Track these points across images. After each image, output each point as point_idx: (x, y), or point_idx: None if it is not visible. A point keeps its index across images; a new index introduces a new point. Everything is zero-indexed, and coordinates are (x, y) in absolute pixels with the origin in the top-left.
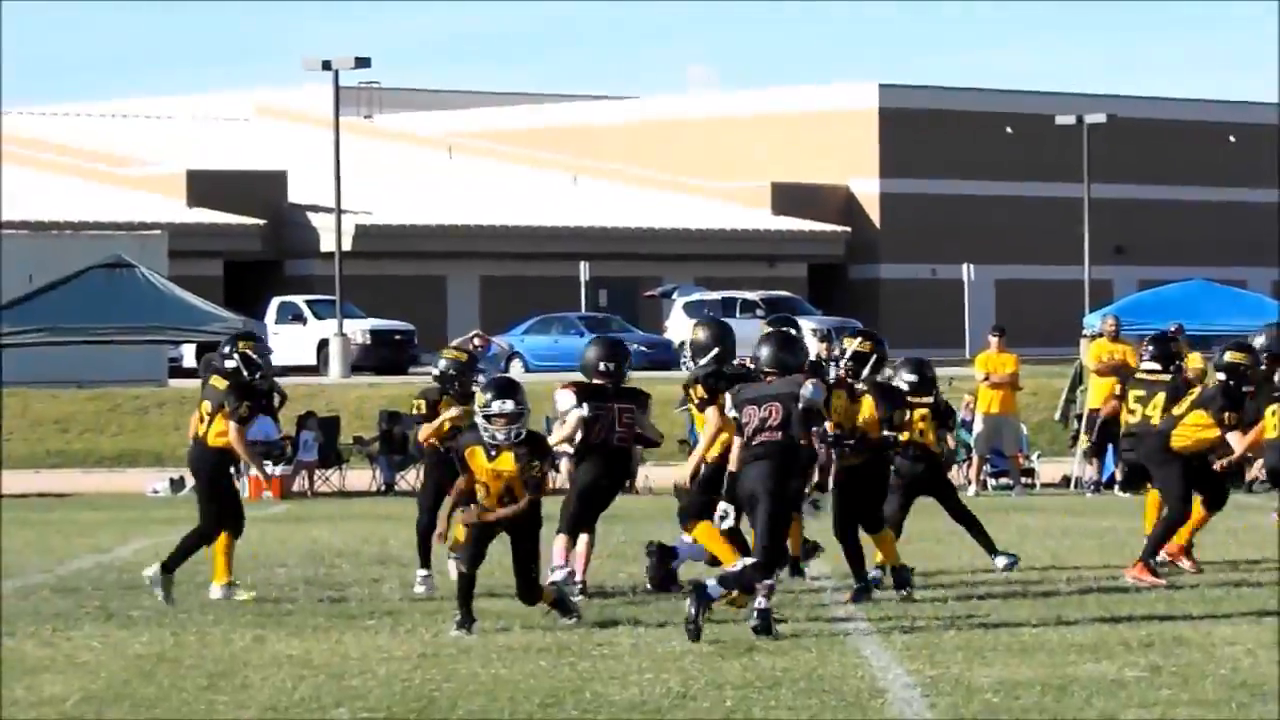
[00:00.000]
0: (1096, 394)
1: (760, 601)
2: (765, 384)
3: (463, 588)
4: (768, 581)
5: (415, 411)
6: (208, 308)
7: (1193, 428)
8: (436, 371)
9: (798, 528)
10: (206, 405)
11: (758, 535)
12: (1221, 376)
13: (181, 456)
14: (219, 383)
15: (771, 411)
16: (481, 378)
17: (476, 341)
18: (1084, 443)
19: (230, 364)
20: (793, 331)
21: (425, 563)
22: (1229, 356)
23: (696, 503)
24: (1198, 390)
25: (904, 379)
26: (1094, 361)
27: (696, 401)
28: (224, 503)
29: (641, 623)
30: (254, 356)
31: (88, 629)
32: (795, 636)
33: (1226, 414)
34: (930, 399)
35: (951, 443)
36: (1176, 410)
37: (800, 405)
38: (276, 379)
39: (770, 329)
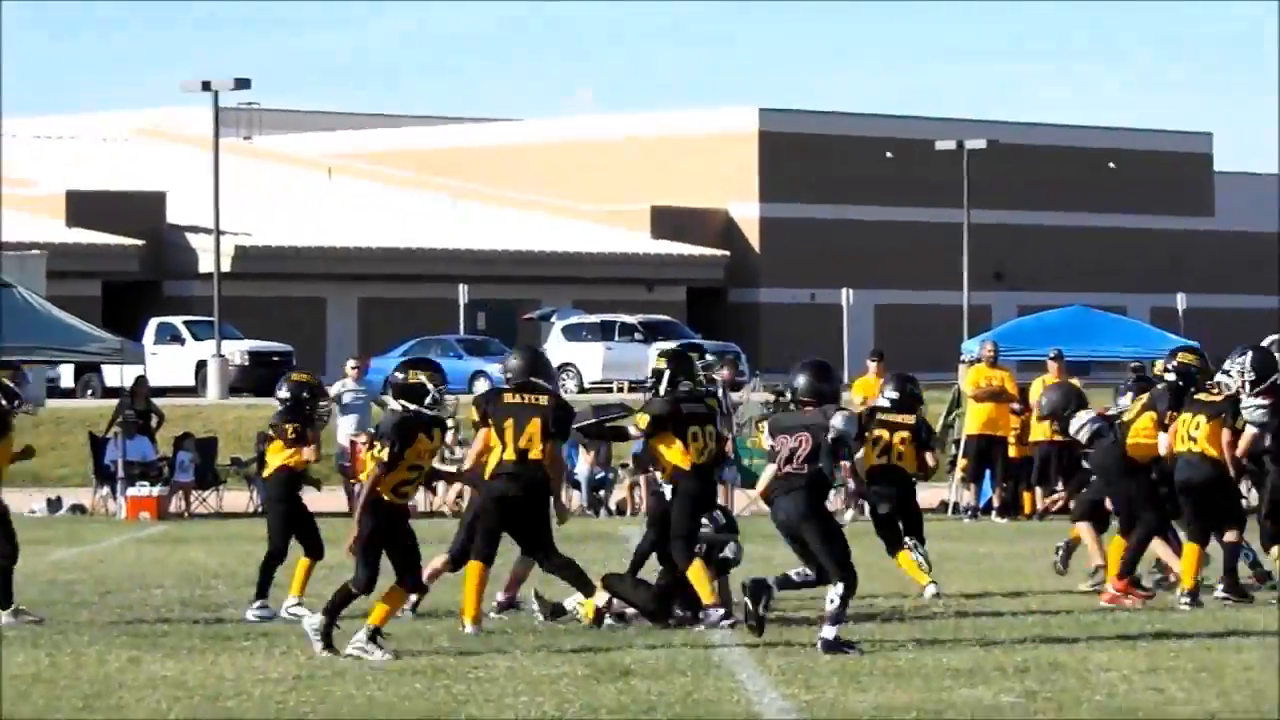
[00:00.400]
0: (974, 419)
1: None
2: (800, 413)
3: (345, 604)
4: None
5: (290, 435)
6: (86, 328)
7: (1145, 432)
8: (285, 395)
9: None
10: None
11: (826, 565)
12: (1171, 377)
13: (60, 477)
14: None
15: (801, 442)
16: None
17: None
18: (961, 468)
19: None
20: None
21: (263, 593)
22: (1181, 358)
23: (479, 546)
24: (1146, 395)
25: (886, 395)
26: (972, 387)
27: (473, 422)
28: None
29: (517, 646)
30: (12, 386)
31: None
32: (671, 660)
33: (1169, 414)
34: (911, 418)
35: (932, 460)
36: (1128, 416)
37: (830, 436)
38: (153, 400)
39: (806, 360)
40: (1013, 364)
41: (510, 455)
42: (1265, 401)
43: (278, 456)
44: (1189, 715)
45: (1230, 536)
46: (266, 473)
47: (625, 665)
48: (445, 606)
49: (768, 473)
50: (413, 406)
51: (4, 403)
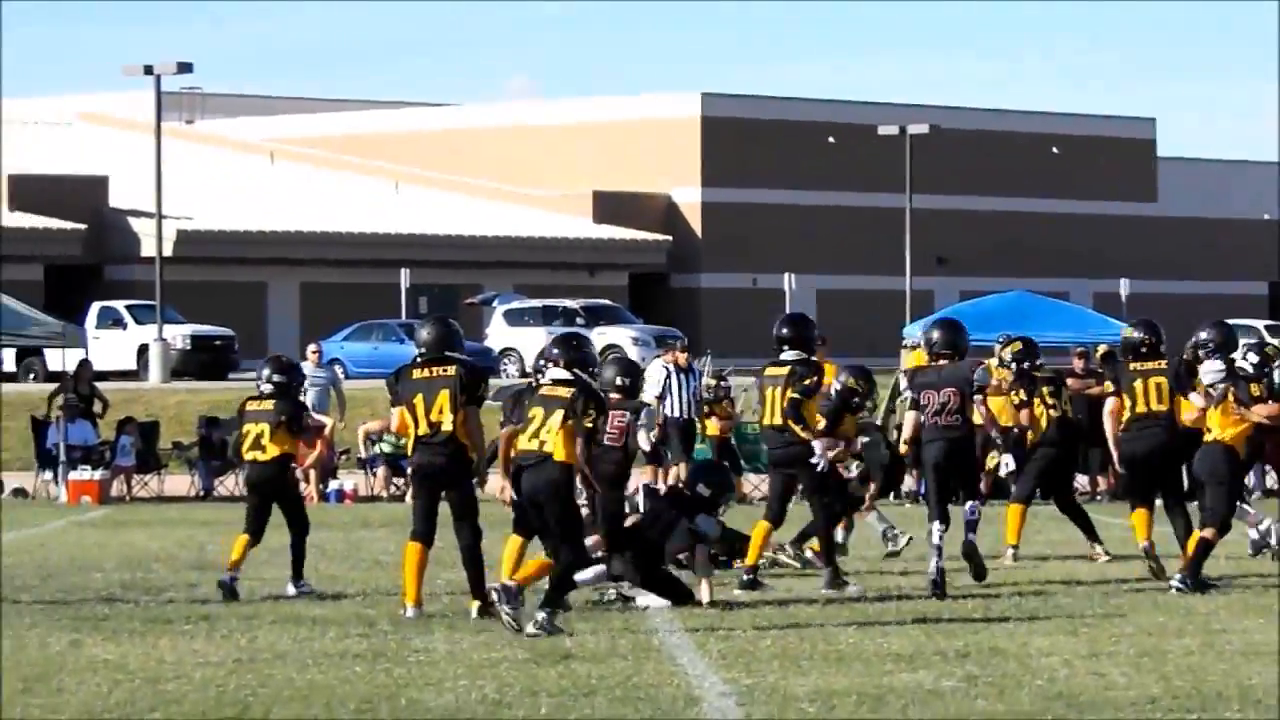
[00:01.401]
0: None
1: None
2: (938, 367)
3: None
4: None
5: (309, 422)
6: (28, 312)
7: (1233, 419)
8: (281, 379)
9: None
10: None
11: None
12: (1255, 358)
13: (1, 461)
14: None
15: (950, 397)
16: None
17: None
18: (904, 453)
19: None
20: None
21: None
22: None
23: (415, 525)
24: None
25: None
26: None
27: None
28: None
29: (458, 630)
30: None
31: None
32: (612, 644)
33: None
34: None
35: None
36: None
37: (973, 389)
38: (97, 384)
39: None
40: None
41: (424, 430)
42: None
43: (283, 444)
44: (1130, 700)
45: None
46: (266, 456)
47: (566, 649)
48: (386, 589)
49: (910, 419)
50: (584, 377)
51: None
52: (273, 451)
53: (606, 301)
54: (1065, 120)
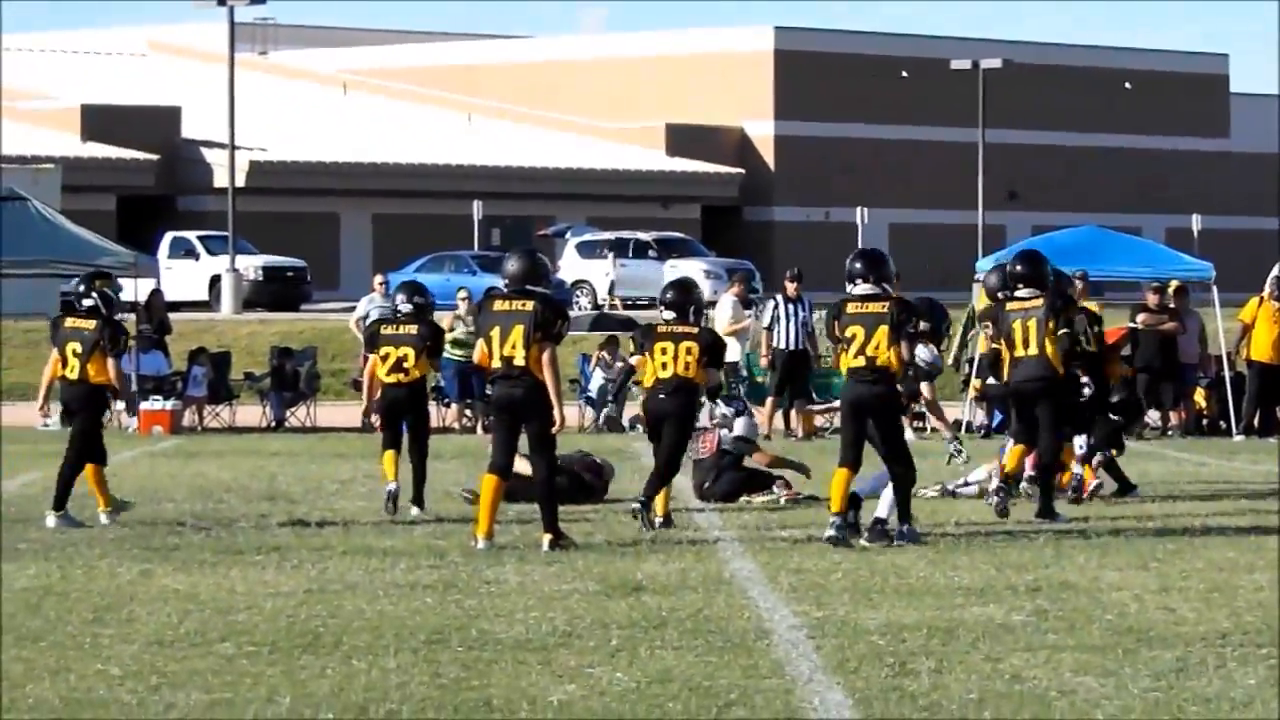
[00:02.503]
0: (987, 338)
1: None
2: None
3: None
4: None
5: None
6: (100, 242)
7: None
8: (423, 301)
9: None
10: (75, 346)
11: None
12: None
13: None
14: (84, 323)
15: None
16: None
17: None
18: (975, 387)
19: (88, 302)
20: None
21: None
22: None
23: (493, 457)
24: None
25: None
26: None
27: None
28: (99, 436)
29: (529, 561)
30: (110, 294)
31: None
32: (682, 576)
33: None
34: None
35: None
36: None
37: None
38: (168, 314)
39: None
40: None
41: (498, 363)
42: None
43: (425, 367)
44: (1200, 634)
45: None
46: (409, 379)
47: (636, 581)
48: (457, 520)
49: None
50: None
51: (104, 311)
52: (414, 374)
53: (679, 234)
54: (1138, 55)
